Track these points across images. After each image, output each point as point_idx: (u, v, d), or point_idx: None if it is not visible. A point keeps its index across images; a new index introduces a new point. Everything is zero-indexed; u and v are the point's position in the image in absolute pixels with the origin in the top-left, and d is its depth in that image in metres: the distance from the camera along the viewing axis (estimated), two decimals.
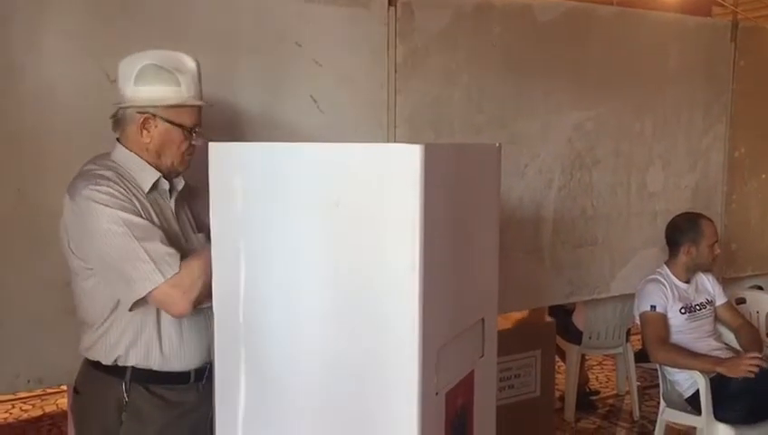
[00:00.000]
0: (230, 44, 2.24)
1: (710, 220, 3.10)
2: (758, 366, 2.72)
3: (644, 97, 3.25)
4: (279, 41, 2.34)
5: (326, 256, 1.41)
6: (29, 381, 2.10)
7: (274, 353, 1.47)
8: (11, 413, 4.03)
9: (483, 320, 1.70)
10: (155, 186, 1.72)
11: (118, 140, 1.74)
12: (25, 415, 4.01)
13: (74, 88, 2.05)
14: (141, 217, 1.61)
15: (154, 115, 1.69)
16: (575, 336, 3.87)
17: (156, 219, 1.67)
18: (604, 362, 4.73)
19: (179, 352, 1.71)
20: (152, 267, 1.56)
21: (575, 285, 3.13)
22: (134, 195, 1.65)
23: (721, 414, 2.79)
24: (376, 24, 2.52)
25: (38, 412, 4.04)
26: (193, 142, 1.74)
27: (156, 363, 1.69)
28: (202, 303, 1.61)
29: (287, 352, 1.46)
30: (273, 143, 1.52)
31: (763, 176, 3.71)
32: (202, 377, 1.76)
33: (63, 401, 3.81)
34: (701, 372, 2.82)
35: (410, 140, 2.55)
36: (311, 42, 2.39)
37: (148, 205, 1.68)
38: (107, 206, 1.57)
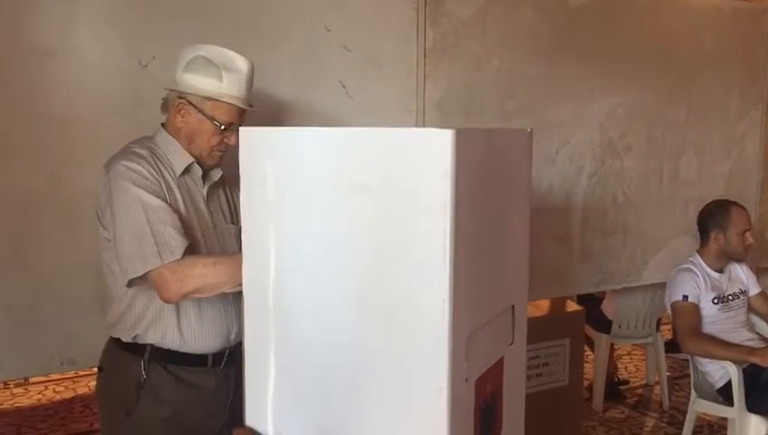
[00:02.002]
0: (260, 31, 2.24)
1: (742, 208, 3.04)
2: None
3: (678, 83, 3.19)
4: (308, 26, 2.34)
5: (355, 242, 1.40)
6: (62, 364, 2.14)
7: (304, 339, 1.47)
8: (44, 395, 4.11)
9: (513, 307, 1.69)
10: (187, 170, 1.76)
11: (162, 125, 1.80)
12: (58, 397, 4.09)
13: (107, 73, 2.08)
14: (163, 200, 1.65)
15: (190, 102, 1.73)
16: (604, 325, 3.84)
17: (181, 202, 1.72)
18: (633, 352, 4.69)
19: (198, 335, 1.74)
20: (154, 250, 1.60)
21: (605, 273, 3.10)
22: (164, 177, 1.70)
23: (753, 405, 2.75)
24: (405, 8, 2.51)
25: (70, 394, 4.11)
26: (225, 140, 1.77)
27: (174, 344, 1.73)
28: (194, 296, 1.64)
29: (316, 338, 1.46)
30: (302, 128, 1.52)
31: None
32: (220, 362, 1.78)
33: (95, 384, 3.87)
34: (733, 362, 2.78)
35: (440, 125, 2.53)
36: (340, 27, 2.38)
37: (176, 187, 1.72)
38: (133, 183, 1.63)
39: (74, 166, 2.03)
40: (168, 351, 1.73)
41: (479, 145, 1.48)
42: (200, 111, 1.73)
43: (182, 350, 1.73)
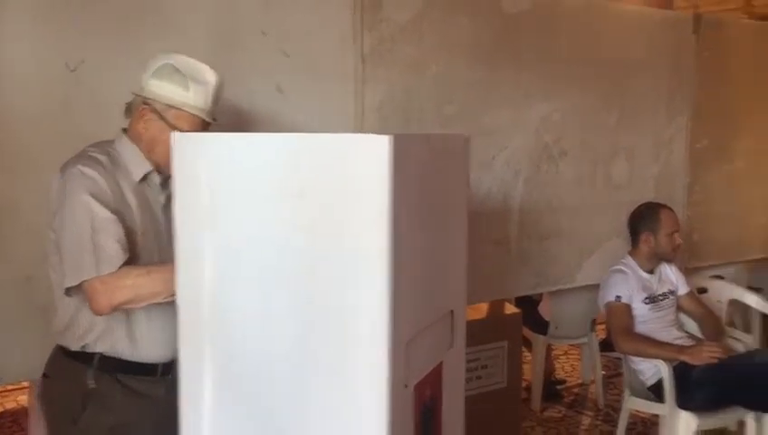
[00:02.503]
0: (195, 36, 2.19)
1: (670, 210, 3.14)
2: (720, 354, 2.77)
3: (609, 89, 3.28)
4: (245, 31, 2.30)
5: (294, 250, 1.39)
6: None
7: (242, 348, 1.45)
8: None
9: (452, 312, 1.70)
10: (145, 178, 1.75)
11: (124, 130, 1.78)
12: None
13: (32, 77, 1.98)
14: (113, 211, 1.63)
15: (154, 109, 1.72)
16: (541, 327, 3.91)
17: (136, 210, 1.70)
18: (570, 352, 4.78)
19: (149, 344, 1.72)
20: (92, 261, 1.58)
21: (542, 276, 3.16)
22: (120, 184, 1.68)
23: (683, 402, 2.83)
24: (343, 13, 2.50)
25: None
26: None
27: (124, 353, 1.71)
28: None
29: (255, 347, 1.44)
30: (238, 133, 1.50)
31: (726, 167, 3.77)
32: (170, 370, 1.75)
33: (24, 398, 3.72)
34: (664, 360, 2.86)
35: (379, 130, 2.53)
36: (277, 31, 2.35)
37: (132, 195, 1.71)
38: (85, 190, 1.61)
39: None
40: (118, 359, 1.71)
41: (417, 151, 1.48)
42: (163, 118, 1.72)
43: (132, 359, 1.72)
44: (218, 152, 1.45)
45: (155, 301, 1.62)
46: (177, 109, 1.72)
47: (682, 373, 2.85)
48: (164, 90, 1.71)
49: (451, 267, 1.71)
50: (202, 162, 1.45)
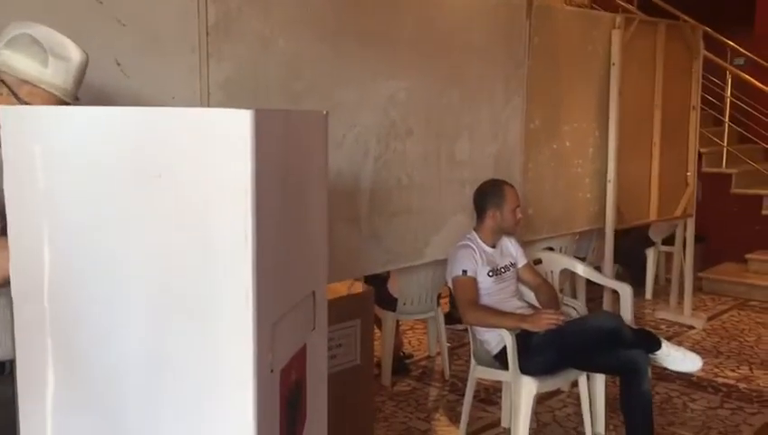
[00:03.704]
0: (20, 2, 1.96)
1: (512, 186, 3.30)
2: (558, 320, 2.96)
3: (451, 69, 3.36)
4: None
5: (147, 233, 1.28)
6: None
7: (88, 343, 1.32)
8: None
9: (313, 292, 1.67)
10: None
11: None
12: None
13: None
14: None
15: (4, 82, 1.55)
16: (389, 303, 3.98)
17: None
18: (415, 326, 4.92)
19: None
20: None
21: (392, 253, 3.20)
22: None
23: (525, 367, 3.00)
24: None
25: None
26: None
27: None
28: None
29: (104, 341, 1.32)
30: (79, 107, 1.36)
31: (555, 146, 4.02)
32: None
33: None
34: (508, 329, 3.01)
35: (226, 107, 2.42)
36: None
37: None
38: None
39: None
40: None
41: (277, 127, 1.42)
42: (14, 94, 1.55)
43: None
44: (54, 129, 1.31)
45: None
46: (34, 85, 1.56)
47: (523, 341, 3.01)
48: (19, 63, 1.55)
49: (312, 247, 1.68)
50: (35, 139, 1.30)
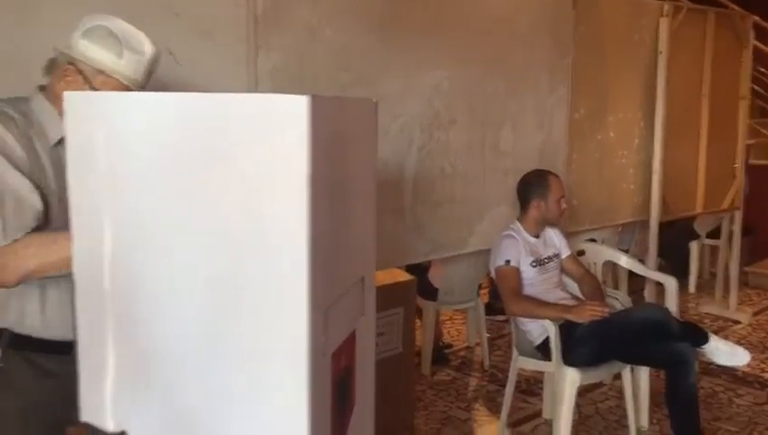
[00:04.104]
0: None
1: (557, 176, 3.28)
2: (602, 312, 2.94)
3: (496, 59, 3.33)
4: None
5: (205, 217, 1.31)
6: None
7: (147, 325, 1.36)
8: None
9: (363, 279, 1.68)
10: (62, 141, 1.59)
11: (41, 88, 1.66)
12: None
13: None
14: (24, 172, 1.53)
15: (80, 71, 1.60)
16: (430, 293, 3.99)
17: (51, 174, 1.59)
18: (454, 317, 4.93)
19: (60, 320, 1.61)
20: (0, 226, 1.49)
21: (435, 243, 3.20)
22: (35, 147, 1.57)
23: (569, 358, 2.98)
24: None
25: None
26: None
27: (35, 329, 1.61)
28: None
29: (163, 321, 1.35)
30: (138, 93, 1.39)
31: (599, 137, 3.97)
32: None
33: None
34: (551, 320, 3.00)
35: None
36: None
37: (46, 159, 1.59)
38: None
39: None
40: (29, 337, 1.60)
41: (332, 113, 1.44)
42: (88, 82, 1.60)
43: (43, 336, 1.61)
44: (116, 114, 1.34)
45: (64, 269, 1.49)
46: (107, 75, 1.61)
47: (567, 332, 3.00)
48: (96, 53, 1.60)
49: (361, 233, 1.69)
50: (98, 124, 1.33)
